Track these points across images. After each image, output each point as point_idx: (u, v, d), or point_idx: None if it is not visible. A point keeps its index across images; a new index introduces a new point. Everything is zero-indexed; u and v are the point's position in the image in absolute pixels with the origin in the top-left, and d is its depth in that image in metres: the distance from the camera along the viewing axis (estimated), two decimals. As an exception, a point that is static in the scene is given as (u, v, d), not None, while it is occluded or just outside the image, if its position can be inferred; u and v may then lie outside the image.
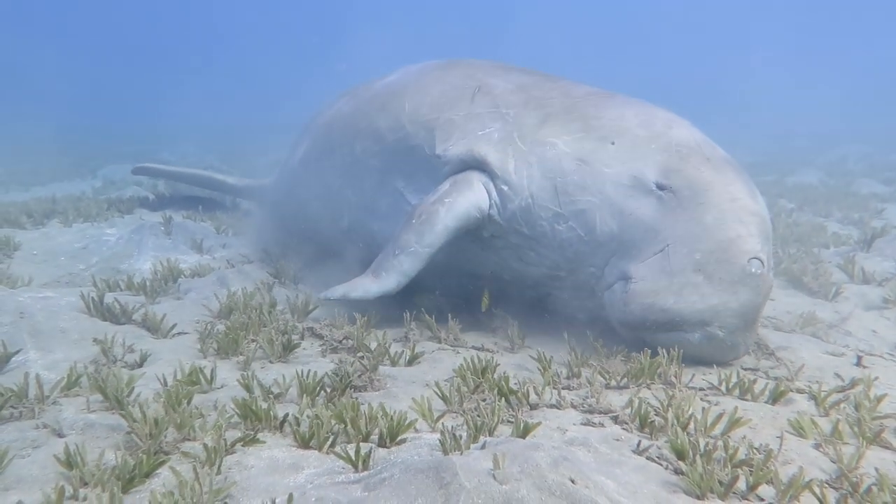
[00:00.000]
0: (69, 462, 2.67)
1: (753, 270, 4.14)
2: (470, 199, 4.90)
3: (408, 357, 4.41)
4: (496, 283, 5.33)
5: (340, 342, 4.64)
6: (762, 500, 2.71)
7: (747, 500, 2.70)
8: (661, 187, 4.46)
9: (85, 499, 2.49)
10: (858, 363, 4.51)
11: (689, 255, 4.24)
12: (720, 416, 3.29)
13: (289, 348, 4.39)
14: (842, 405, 3.66)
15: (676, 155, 4.55)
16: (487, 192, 4.94)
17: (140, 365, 4.15)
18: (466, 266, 5.41)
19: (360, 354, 4.40)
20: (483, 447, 2.77)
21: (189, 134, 27.09)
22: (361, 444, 2.95)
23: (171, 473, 2.64)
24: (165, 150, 22.14)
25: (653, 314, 4.25)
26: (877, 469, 2.82)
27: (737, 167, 4.65)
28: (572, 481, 2.46)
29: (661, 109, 5.02)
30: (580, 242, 4.67)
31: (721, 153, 4.72)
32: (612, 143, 4.70)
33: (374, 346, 4.50)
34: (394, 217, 5.46)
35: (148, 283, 5.65)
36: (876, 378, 4.01)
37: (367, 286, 4.96)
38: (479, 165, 4.99)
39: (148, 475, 2.66)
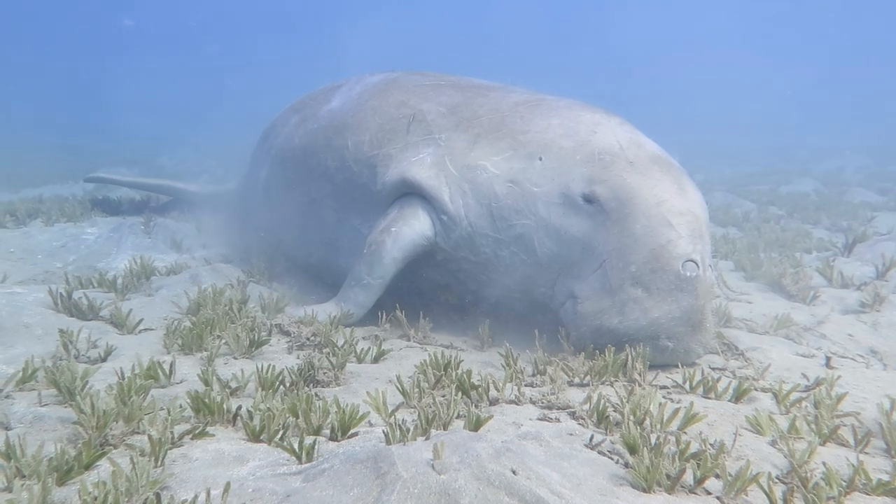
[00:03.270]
0: (7, 454, 2.64)
1: (688, 274, 4.09)
2: (415, 228, 4.90)
3: (374, 354, 4.39)
4: (462, 300, 5.32)
5: (308, 339, 4.61)
6: (710, 493, 2.68)
7: (695, 493, 2.68)
8: (588, 201, 4.38)
9: (19, 489, 2.46)
10: (827, 364, 4.48)
11: (624, 269, 4.18)
12: (676, 411, 3.26)
13: (255, 345, 4.36)
14: (803, 403, 3.63)
15: (599, 164, 4.44)
16: (431, 221, 4.93)
17: (103, 360, 4.12)
18: (430, 289, 5.42)
19: (326, 350, 4.38)
20: (427, 439, 2.74)
21: (190, 138, 26.97)
22: (306, 436, 2.92)
23: (111, 465, 2.61)
24: (164, 154, 22.11)
25: (601, 336, 4.23)
26: (824, 464, 2.80)
27: (665, 163, 4.52)
28: (514, 472, 2.44)
29: (588, 111, 4.91)
30: (525, 266, 4.65)
31: (648, 151, 4.57)
32: (540, 160, 4.62)
33: (341, 342, 4.48)
34: (356, 252, 5.40)
35: (119, 280, 5.63)
36: (838, 377, 3.99)
37: (332, 313, 5.02)
38: (416, 190, 4.97)
39: (87, 467, 2.62)
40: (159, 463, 2.71)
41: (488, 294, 5.03)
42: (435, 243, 4.95)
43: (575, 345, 4.39)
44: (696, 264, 4.12)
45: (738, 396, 3.76)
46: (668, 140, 5.10)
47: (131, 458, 2.53)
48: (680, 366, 4.23)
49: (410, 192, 5.05)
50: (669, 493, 2.63)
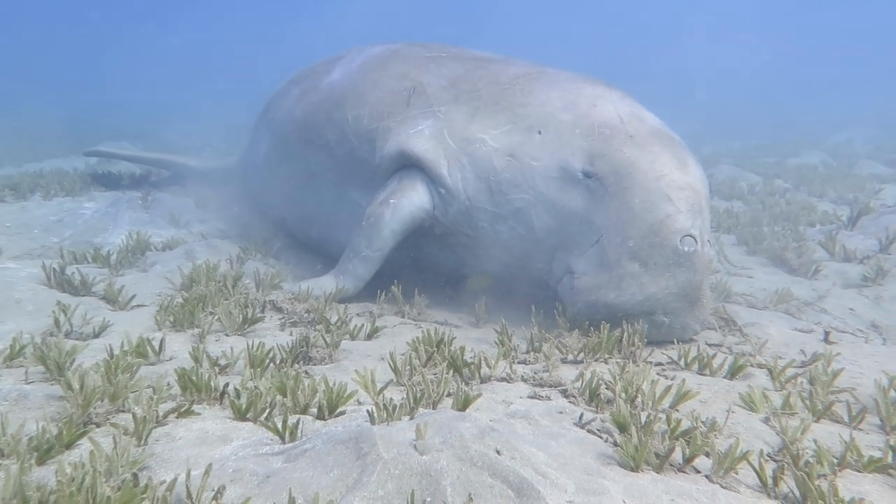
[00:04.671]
0: (-12, 431, 2.61)
1: (686, 249, 4.03)
2: (414, 200, 4.85)
3: (368, 331, 4.35)
4: (460, 277, 5.29)
5: (302, 316, 4.58)
6: (699, 472, 2.64)
7: (684, 472, 2.64)
8: (587, 175, 4.33)
9: (-1, 467, 2.44)
10: (826, 339, 4.42)
11: (622, 244, 4.13)
12: (668, 388, 3.21)
13: (248, 321, 4.33)
14: (798, 379, 3.58)
15: (599, 138, 4.38)
16: (430, 193, 4.88)
17: (95, 336, 4.09)
18: (428, 263, 5.40)
19: (319, 327, 4.34)
20: (412, 419, 2.70)
21: (199, 111, 26.73)
22: (290, 415, 2.89)
23: (91, 445, 2.58)
24: (170, 129, 21.97)
25: (597, 311, 4.18)
26: (815, 441, 2.75)
27: (666, 137, 4.45)
28: (498, 452, 2.40)
29: (588, 84, 4.84)
30: (523, 241, 4.60)
31: (649, 125, 4.50)
32: (539, 133, 4.57)
33: (335, 319, 4.44)
34: (356, 226, 5.37)
35: (113, 256, 5.59)
36: (837, 354, 3.93)
37: (326, 287, 5.03)
38: (414, 162, 4.91)
39: (69, 446, 2.60)
40: (143, 442, 2.69)
41: (486, 270, 4.98)
42: (433, 216, 4.89)
43: (571, 320, 4.35)
44: (695, 239, 4.05)
45: (734, 373, 3.71)
46: (674, 112, 5.00)
47: (113, 438, 2.51)
48: (676, 342, 4.18)
49: (409, 165, 4.98)
50: (658, 472, 2.59)
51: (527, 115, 4.68)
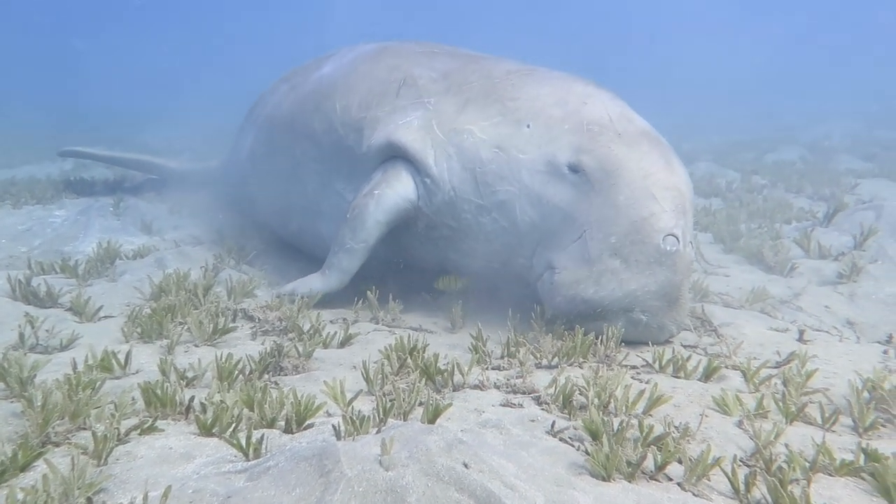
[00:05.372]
0: (-60, 454, 2.52)
1: (668, 248, 4.02)
2: (398, 191, 4.82)
3: (341, 338, 4.29)
4: (442, 274, 5.25)
5: (274, 324, 4.51)
6: (671, 479, 2.61)
7: (656, 479, 2.61)
8: (573, 170, 4.32)
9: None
10: (800, 338, 4.42)
11: (605, 240, 4.12)
12: (641, 393, 3.18)
13: (219, 331, 4.25)
14: (772, 381, 3.57)
15: (588, 134, 4.38)
16: (415, 184, 4.85)
17: (61, 350, 4.00)
18: (410, 260, 5.36)
19: (290, 336, 4.27)
20: (379, 432, 2.65)
21: (180, 116, 26.39)
22: (256, 430, 2.82)
23: (47, 467, 2.50)
24: (148, 132, 21.67)
25: (575, 306, 4.16)
26: (787, 446, 2.73)
27: (654, 138, 4.47)
28: (465, 465, 2.35)
29: (580, 83, 4.85)
30: (505, 234, 4.58)
31: (638, 126, 4.52)
32: (528, 127, 4.55)
33: (307, 327, 4.37)
34: (338, 218, 5.37)
35: (81, 266, 5.48)
36: (814, 356, 3.92)
37: (313, 284, 5.04)
38: (401, 153, 4.88)
39: (24, 468, 2.52)
40: (102, 461, 2.61)
41: (468, 265, 4.94)
42: (418, 207, 4.86)
43: (549, 320, 4.34)
44: (677, 239, 4.06)
45: (708, 375, 3.70)
46: (652, 108, 5.01)
47: (71, 459, 2.43)
48: (651, 344, 4.16)
49: (395, 157, 4.96)
50: (629, 481, 2.56)
51: (517, 108, 4.68)
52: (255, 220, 7.02)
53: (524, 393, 3.39)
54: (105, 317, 4.55)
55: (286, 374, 3.73)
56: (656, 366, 3.83)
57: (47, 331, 4.12)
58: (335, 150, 5.42)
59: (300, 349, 3.90)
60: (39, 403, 2.87)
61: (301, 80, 6.33)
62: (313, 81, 6.04)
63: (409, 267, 5.47)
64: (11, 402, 3.16)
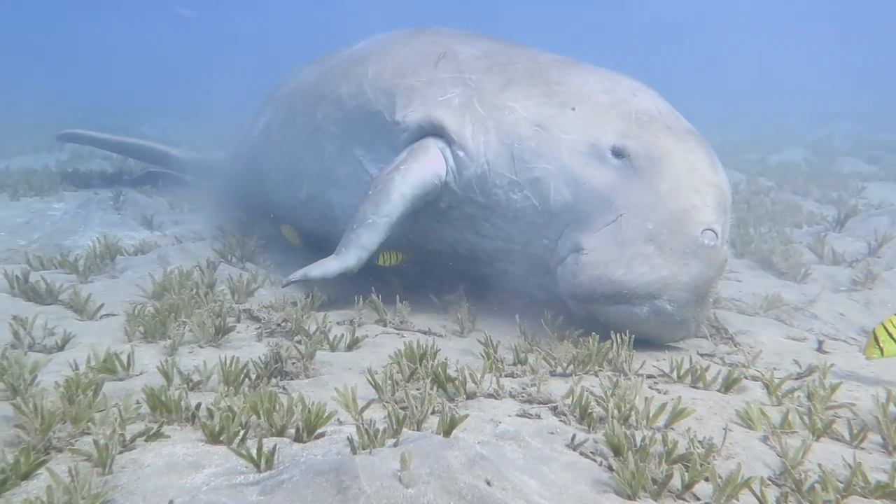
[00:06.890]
0: (-64, 462, 2.41)
1: (706, 242, 3.96)
2: (426, 165, 4.68)
3: (348, 341, 4.18)
4: (453, 259, 5.15)
5: (279, 325, 4.39)
6: (699, 499, 2.51)
7: (683, 499, 2.51)
8: (617, 155, 4.27)
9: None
10: (819, 348, 4.33)
11: (641, 225, 4.06)
12: (663, 406, 3.08)
13: (222, 332, 4.14)
14: (795, 394, 3.47)
15: (636, 122, 4.35)
16: (444, 158, 4.73)
17: (60, 349, 3.89)
18: (423, 241, 5.22)
19: (297, 339, 4.16)
20: (396, 445, 2.54)
21: (176, 108, 26.14)
22: (265, 441, 2.71)
23: (50, 476, 2.39)
24: (145, 124, 21.48)
25: (601, 286, 4.06)
26: (820, 466, 2.63)
27: (699, 138, 4.46)
28: (488, 483, 2.25)
29: (627, 78, 4.82)
30: (534, 212, 4.48)
31: (684, 124, 4.52)
32: (573, 109, 4.50)
33: (313, 329, 4.26)
34: (352, 186, 5.28)
35: (81, 261, 5.36)
36: (832, 365, 3.83)
37: (328, 264, 4.79)
38: (437, 132, 4.78)
39: (25, 477, 2.41)
40: (107, 470, 2.50)
41: (486, 247, 4.83)
42: (445, 182, 4.74)
43: (569, 297, 4.29)
44: (716, 234, 4.00)
45: (728, 386, 3.60)
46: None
47: (70, 469, 2.32)
48: (666, 351, 4.06)
49: (427, 134, 4.86)
50: (656, 500, 2.46)
51: (562, 91, 4.63)
52: (260, 201, 6.77)
53: (541, 402, 3.28)
54: (106, 315, 4.44)
55: (293, 379, 3.63)
56: (674, 375, 3.73)
57: (45, 328, 4.00)
58: (360, 115, 5.28)
59: (305, 353, 3.79)
60: (31, 408, 2.75)
61: (330, 56, 6.28)
62: (345, 54, 5.99)
63: (416, 260, 5.33)
64: (11, 403, 3.05)
